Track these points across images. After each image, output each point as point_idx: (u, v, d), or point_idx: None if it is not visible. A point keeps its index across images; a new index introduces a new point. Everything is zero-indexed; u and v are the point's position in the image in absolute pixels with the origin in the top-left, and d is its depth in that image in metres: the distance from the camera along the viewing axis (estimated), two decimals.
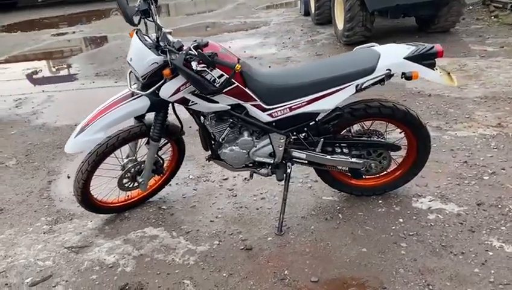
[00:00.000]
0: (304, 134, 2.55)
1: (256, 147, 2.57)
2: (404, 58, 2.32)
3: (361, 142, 2.60)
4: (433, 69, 2.35)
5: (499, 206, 2.68)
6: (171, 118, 2.72)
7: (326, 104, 2.39)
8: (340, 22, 6.71)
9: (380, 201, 2.84)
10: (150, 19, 2.42)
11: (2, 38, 10.55)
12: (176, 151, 2.94)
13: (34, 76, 6.91)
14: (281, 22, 9.21)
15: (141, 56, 2.28)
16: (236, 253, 2.51)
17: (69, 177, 3.50)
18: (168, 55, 2.24)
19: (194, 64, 2.14)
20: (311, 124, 2.50)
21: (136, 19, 2.43)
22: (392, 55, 2.35)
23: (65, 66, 7.41)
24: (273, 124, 2.48)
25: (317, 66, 2.64)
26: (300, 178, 3.17)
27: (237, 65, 2.12)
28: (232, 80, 2.32)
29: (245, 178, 3.21)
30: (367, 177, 2.84)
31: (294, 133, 2.52)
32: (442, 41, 6.22)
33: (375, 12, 6.35)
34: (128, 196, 2.98)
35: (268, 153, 2.58)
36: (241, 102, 2.41)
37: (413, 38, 6.47)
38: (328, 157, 2.59)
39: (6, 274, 2.48)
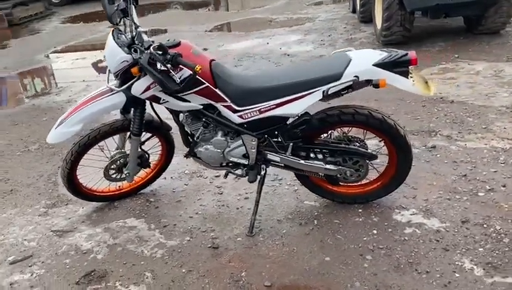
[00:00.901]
0: (276, 137, 2.54)
1: (230, 147, 2.60)
2: (373, 64, 2.23)
3: (335, 149, 2.54)
4: (407, 77, 2.24)
5: (484, 225, 2.51)
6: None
7: (294, 108, 2.36)
8: (379, 20, 6.49)
9: (361, 210, 2.76)
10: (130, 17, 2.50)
11: (66, 28, 11.25)
12: (165, 146, 3.03)
13: (80, 65, 7.34)
14: (327, 18, 9.04)
15: (113, 54, 2.38)
16: (202, 251, 2.56)
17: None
18: (138, 54, 2.32)
19: (158, 64, 2.20)
20: (282, 127, 2.48)
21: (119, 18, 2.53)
22: (362, 61, 2.27)
23: None
24: (245, 125, 2.48)
25: (288, 69, 2.61)
26: (289, 181, 3.15)
27: (197, 66, 2.15)
28: (202, 80, 2.36)
29: (235, 177, 3.22)
30: (348, 184, 2.77)
31: (266, 135, 2.51)
32: (487, 43, 5.85)
33: (415, 12, 6.07)
34: (119, 187, 3.12)
35: (242, 154, 2.60)
36: (212, 102, 2.45)
37: (457, 40, 6.13)
38: (302, 162, 2.56)
39: (9, 252, 2.70)
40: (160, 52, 2.21)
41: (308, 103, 2.33)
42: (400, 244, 2.45)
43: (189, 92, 2.39)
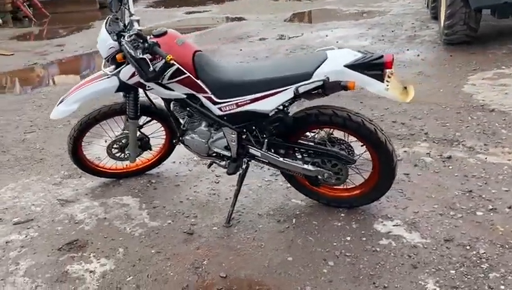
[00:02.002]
0: (254, 132, 2.53)
1: (213, 138, 2.65)
2: (345, 66, 2.14)
3: (314, 149, 2.48)
4: (381, 80, 2.12)
5: (467, 247, 2.32)
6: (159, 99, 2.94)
7: (267, 105, 2.35)
8: (442, 18, 6.07)
9: (343, 215, 2.68)
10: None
11: (146, 13, 11.86)
12: (168, 130, 3.15)
13: None
14: (399, 13, 8.64)
15: (103, 40, 2.53)
16: (177, 235, 2.65)
17: (106, 141, 3.96)
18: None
19: (138, 51, 2.31)
20: (258, 123, 2.47)
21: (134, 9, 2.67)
22: (336, 61, 2.18)
23: None
24: (224, 118, 2.51)
25: (266, 65, 2.59)
26: None
27: (168, 56, 2.22)
28: (183, 70, 2.43)
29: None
30: (333, 187, 2.70)
31: (244, 130, 2.52)
32: None
33: (481, 10, 5.59)
34: (126, 166, 3.30)
35: (224, 145, 2.64)
36: (194, 92, 2.51)
37: None
38: (281, 159, 2.54)
39: (6, 211, 3.02)
40: (141, 41, 2.32)
41: (280, 100, 2.31)
42: (368, 255, 2.35)
43: (172, 80, 2.48)
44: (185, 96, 2.54)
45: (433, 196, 2.77)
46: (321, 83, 2.17)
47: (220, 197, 2.99)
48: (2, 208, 3.06)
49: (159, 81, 2.49)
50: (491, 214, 2.56)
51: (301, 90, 2.22)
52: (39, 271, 2.43)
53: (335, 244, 2.45)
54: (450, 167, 3.06)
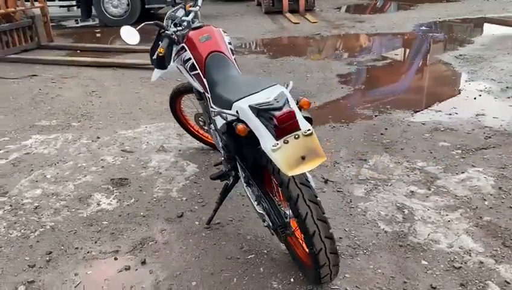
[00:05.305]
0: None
1: (218, 139, 2.63)
2: (249, 105, 1.75)
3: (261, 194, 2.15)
4: (274, 136, 1.65)
5: None
6: None
7: (219, 122, 2.17)
8: None
9: (293, 279, 2.24)
10: None
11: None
12: None
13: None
14: None
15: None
16: (172, 212, 2.84)
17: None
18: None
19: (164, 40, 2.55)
20: None
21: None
22: (253, 98, 1.79)
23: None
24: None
25: (236, 80, 2.25)
26: None
27: (159, 49, 2.37)
28: (196, 66, 2.51)
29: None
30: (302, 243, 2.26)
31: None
32: None
33: None
34: None
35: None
36: (203, 90, 2.54)
37: None
38: (244, 185, 2.32)
39: (133, 140, 3.87)
40: (162, 30, 2.53)
41: (220, 121, 2.10)
42: None
43: (191, 73, 2.58)
44: (202, 90, 2.60)
45: None
46: (235, 117, 1.86)
47: (246, 202, 2.91)
48: (134, 137, 3.94)
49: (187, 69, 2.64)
50: None
51: (228, 117, 1.96)
52: (83, 188, 3.15)
53: None
54: None
